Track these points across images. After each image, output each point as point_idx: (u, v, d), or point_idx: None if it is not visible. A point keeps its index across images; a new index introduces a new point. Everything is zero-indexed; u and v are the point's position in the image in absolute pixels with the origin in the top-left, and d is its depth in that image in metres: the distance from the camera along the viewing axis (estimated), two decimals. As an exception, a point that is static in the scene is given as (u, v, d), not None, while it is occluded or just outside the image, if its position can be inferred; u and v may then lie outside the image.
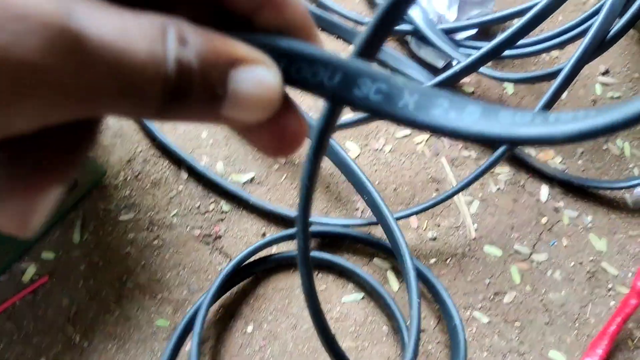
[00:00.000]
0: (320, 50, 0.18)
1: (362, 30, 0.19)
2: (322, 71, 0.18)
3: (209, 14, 0.19)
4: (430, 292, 0.58)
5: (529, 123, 0.16)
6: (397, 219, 0.60)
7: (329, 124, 0.21)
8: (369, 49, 0.19)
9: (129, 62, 0.15)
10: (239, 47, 0.17)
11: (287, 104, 0.19)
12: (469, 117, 0.16)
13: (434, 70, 0.67)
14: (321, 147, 0.23)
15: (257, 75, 0.17)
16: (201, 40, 0.16)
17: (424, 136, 0.67)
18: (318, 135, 0.22)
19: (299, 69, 0.18)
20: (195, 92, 0.16)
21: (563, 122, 0.15)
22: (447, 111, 0.17)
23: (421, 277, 0.58)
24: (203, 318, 0.52)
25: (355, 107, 0.18)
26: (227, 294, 0.58)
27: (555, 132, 0.15)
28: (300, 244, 0.28)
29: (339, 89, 0.18)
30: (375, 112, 0.17)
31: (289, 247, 0.60)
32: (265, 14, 0.19)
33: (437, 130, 0.17)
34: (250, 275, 0.59)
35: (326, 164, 0.64)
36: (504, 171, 0.66)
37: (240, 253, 0.56)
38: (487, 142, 0.16)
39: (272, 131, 0.19)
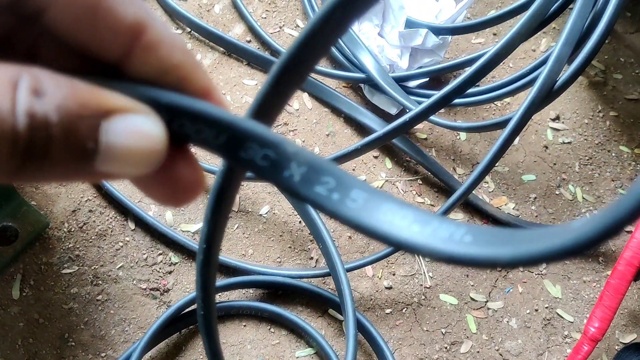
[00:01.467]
0: (205, 107, 0.17)
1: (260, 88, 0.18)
2: (206, 129, 0.16)
3: (82, 62, 0.18)
4: (373, 348, 0.57)
5: (405, 227, 0.15)
6: (352, 269, 0.59)
7: (228, 180, 0.20)
8: (264, 111, 0.18)
9: None
10: (111, 97, 0.15)
11: (178, 152, 0.17)
12: (351, 203, 0.16)
13: (387, 117, 0.67)
14: (220, 205, 0.21)
15: (135, 125, 0.15)
16: (63, 91, 0.14)
17: (378, 182, 0.66)
18: (216, 190, 0.21)
19: (182, 125, 0.17)
20: (57, 147, 0.14)
21: (436, 238, 0.15)
22: (331, 191, 0.16)
23: (366, 332, 0.57)
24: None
25: (241, 168, 0.17)
26: (172, 348, 0.56)
27: (423, 244, 0.15)
28: (200, 310, 0.26)
29: (224, 149, 0.17)
30: (261, 177, 0.17)
31: (239, 296, 0.58)
32: (139, 57, 0.17)
33: (317, 209, 0.16)
34: (192, 323, 0.56)
35: (279, 212, 0.63)
36: (458, 217, 0.66)
37: (180, 300, 0.54)
38: (362, 232, 0.16)
39: (164, 181, 0.17)
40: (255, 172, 0.17)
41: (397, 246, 0.15)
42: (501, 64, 0.57)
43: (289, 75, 0.18)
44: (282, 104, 0.19)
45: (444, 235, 0.15)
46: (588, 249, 0.13)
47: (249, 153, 0.16)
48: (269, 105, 0.18)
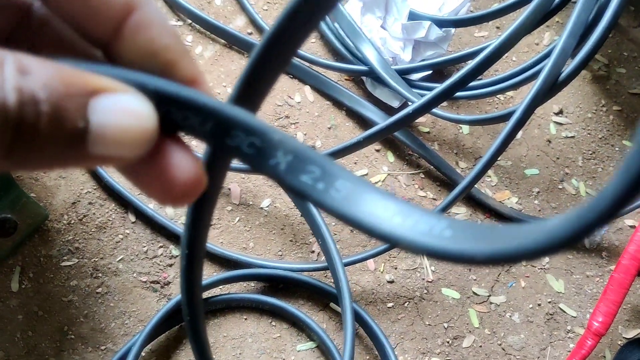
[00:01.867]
0: (191, 94, 0.17)
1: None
2: (192, 116, 0.17)
3: (74, 53, 0.18)
4: (373, 342, 0.57)
5: (387, 219, 0.15)
6: (353, 262, 0.58)
7: (212, 166, 0.20)
8: (248, 96, 0.18)
9: None
10: (97, 78, 0.16)
11: (169, 140, 0.17)
12: (335, 193, 0.16)
13: (389, 110, 0.67)
14: (204, 201, 0.21)
15: (123, 103, 0.16)
16: (48, 71, 0.15)
17: (380, 176, 0.66)
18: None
19: (169, 112, 0.17)
20: (48, 125, 0.14)
21: (415, 231, 0.15)
22: (316, 181, 0.16)
23: (366, 327, 0.56)
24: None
25: (227, 155, 0.17)
26: (172, 341, 0.55)
27: (402, 236, 0.15)
28: (186, 316, 0.26)
29: (211, 137, 0.17)
30: (248, 164, 0.17)
31: (240, 289, 0.58)
32: (128, 37, 0.17)
33: (302, 198, 0.16)
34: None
35: (281, 205, 0.63)
36: (461, 211, 0.65)
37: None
38: (344, 222, 0.16)
39: (160, 173, 0.17)
40: (241, 160, 0.17)
41: (377, 237, 0.15)
42: (504, 57, 0.57)
43: (270, 58, 0.18)
44: (266, 89, 0.19)
45: (423, 229, 0.15)
46: (562, 248, 0.13)
47: (235, 140, 0.17)
48: (252, 91, 0.18)
